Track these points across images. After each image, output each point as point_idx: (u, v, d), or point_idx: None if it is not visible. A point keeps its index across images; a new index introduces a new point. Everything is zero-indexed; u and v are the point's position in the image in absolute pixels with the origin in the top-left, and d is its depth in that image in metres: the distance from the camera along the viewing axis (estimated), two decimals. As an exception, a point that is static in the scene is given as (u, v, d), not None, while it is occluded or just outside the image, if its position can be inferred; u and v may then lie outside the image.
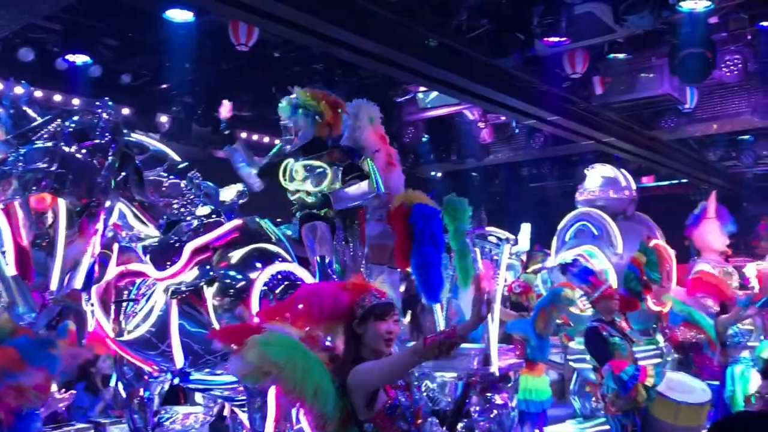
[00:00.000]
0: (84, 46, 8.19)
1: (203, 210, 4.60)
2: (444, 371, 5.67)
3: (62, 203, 3.86)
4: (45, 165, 3.84)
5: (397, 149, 5.79)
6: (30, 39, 8.11)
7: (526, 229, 8.98)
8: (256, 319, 3.48)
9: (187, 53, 8.42)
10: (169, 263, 4.33)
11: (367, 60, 7.53)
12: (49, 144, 3.94)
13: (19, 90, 4.19)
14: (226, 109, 5.48)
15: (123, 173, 4.30)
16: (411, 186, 5.28)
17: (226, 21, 7.92)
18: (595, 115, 10.26)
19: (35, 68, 8.15)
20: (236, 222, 4.49)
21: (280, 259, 4.40)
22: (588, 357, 5.84)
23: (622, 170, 8.84)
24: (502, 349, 5.87)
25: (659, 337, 7.67)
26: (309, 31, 6.68)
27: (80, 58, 8.24)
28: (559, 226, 8.33)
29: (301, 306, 2.94)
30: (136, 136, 4.88)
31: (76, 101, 8.66)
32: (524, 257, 9.29)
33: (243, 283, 4.22)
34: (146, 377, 4.81)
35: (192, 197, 4.61)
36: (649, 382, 5.32)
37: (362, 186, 4.72)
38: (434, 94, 10.86)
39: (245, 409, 4.38)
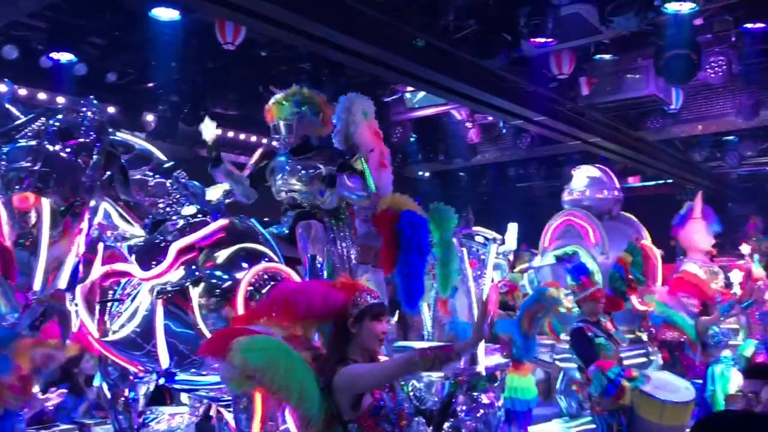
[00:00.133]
0: (69, 44, 8.14)
1: (189, 209, 4.56)
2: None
3: (46, 202, 3.83)
4: (28, 164, 3.82)
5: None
6: (14, 37, 8.05)
7: (513, 228, 9.00)
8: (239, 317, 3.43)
9: (174, 52, 8.37)
10: (154, 263, 4.29)
11: (354, 59, 7.53)
12: (33, 143, 3.91)
13: (2, 88, 4.17)
14: (210, 132, 4.91)
15: (108, 172, 4.28)
16: (399, 185, 5.27)
17: (212, 20, 7.89)
18: (581, 116, 10.31)
19: (19, 66, 8.09)
20: (222, 222, 4.47)
21: (266, 259, 4.39)
22: (574, 356, 5.87)
23: (605, 170, 8.90)
24: (488, 348, 5.88)
25: (644, 337, 7.72)
26: (296, 30, 6.66)
27: (65, 56, 8.17)
28: (546, 226, 8.38)
29: (285, 304, 2.92)
30: (122, 135, 4.84)
31: (61, 100, 8.59)
32: (511, 257, 9.33)
33: (229, 283, 4.19)
34: (131, 378, 4.78)
35: (178, 197, 4.58)
36: (635, 376, 5.36)
37: (360, 183, 4.72)
38: (422, 94, 10.88)
39: (231, 409, 4.37)
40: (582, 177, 8.73)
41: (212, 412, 5.15)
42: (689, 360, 7.22)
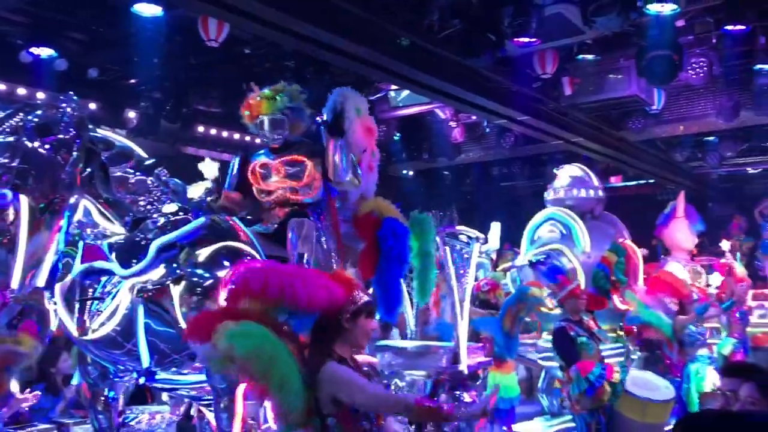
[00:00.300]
0: (49, 39, 8.05)
1: (170, 207, 4.53)
2: (413, 370, 5.68)
3: (24, 199, 3.78)
4: (6, 160, 3.77)
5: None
6: (-8, 31, 7.96)
7: (496, 227, 9.05)
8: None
9: (156, 48, 8.28)
10: (135, 261, 4.26)
11: (338, 58, 7.51)
12: (11, 138, 3.86)
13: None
14: (212, 171, 4.87)
15: (88, 169, 4.23)
16: (383, 184, 5.22)
17: (195, 16, 7.83)
18: (564, 116, 10.36)
19: (-2, 61, 8.00)
20: (204, 219, 4.43)
21: (248, 258, 4.36)
22: (556, 355, 5.90)
23: (588, 170, 8.96)
24: (471, 347, 5.90)
25: (625, 335, 7.77)
26: (281, 28, 6.63)
27: (45, 51, 8.08)
28: (529, 225, 8.41)
29: (281, 290, 2.84)
30: (102, 132, 4.77)
31: (41, 95, 8.47)
32: (494, 256, 9.36)
33: (210, 281, 4.16)
34: (111, 377, 4.73)
35: (159, 194, 4.55)
36: (615, 378, 5.40)
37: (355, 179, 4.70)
38: (406, 92, 10.88)
39: (212, 408, 4.34)
40: (565, 176, 8.78)
41: (193, 412, 5.12)
42: (671, 358, 7.29)
